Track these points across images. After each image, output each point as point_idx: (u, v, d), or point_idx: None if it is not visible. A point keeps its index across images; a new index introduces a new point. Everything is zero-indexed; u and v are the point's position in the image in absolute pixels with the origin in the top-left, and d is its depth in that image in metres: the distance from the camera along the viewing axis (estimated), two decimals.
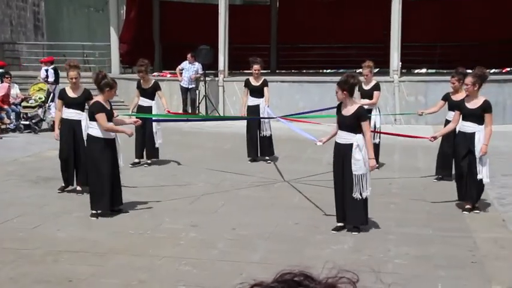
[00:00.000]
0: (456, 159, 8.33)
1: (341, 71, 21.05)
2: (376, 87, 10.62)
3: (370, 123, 8.28)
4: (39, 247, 6.54)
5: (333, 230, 7.17)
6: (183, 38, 22.03)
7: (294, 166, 11.09)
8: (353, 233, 7.06)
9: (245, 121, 11.79)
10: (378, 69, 16.22)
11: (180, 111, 17.19)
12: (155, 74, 19.03)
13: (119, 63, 21.01)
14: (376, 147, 9.86)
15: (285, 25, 23.92)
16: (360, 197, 6.94)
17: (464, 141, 8.01)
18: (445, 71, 19.32)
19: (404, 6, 17.62)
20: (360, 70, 11.19)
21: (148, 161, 11.15)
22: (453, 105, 9.02)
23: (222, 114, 17.57)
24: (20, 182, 9.79)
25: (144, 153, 11.12)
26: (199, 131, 15.61)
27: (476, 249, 6.58)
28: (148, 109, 10.92)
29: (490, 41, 21.55)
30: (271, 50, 24.38)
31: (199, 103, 17.81)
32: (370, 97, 10.50)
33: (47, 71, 17.15)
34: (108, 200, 7.76)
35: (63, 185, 9.10)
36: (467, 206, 8.03)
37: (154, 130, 10.92)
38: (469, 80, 8.06)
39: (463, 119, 8.08)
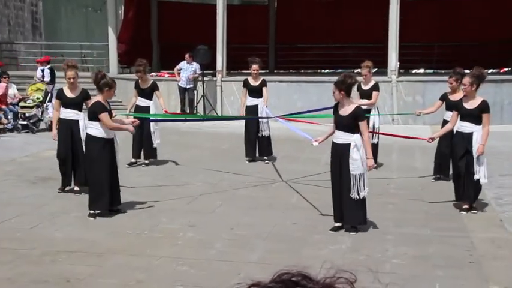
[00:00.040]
0: (454, 159, 8.33)
1: (339, 71, 21.01)
2: (375, 87, 10.61)
3: (368, 123, 8.28)
4: (37, 247, 6.54)
5: (330, 230, 7.17)
6: (181, 38, 22.00)
7: (292, 166, 11.09)
8: (351, 233, 7.06)
9: (243, 121, 11.79)
10: (376, 69, 16.21)
11: (178, 111, 17.17)
12: (153, 74, 19.03)
13: (116, 63, 20.98)
14: (375, 147, 9.85)
15: (283, 25, 23.91)
16: (358, 197, 6.94)
17: (462, 141, 8.01)
18: (443, 71, 19.34)
19: (403, 6, 17.63)
20: (359, 70, 11.19)
21: (146, 161, 11.13)
22: (451, 105, 9.01)
23: (220, 114, 17.56)
24: (17, 182, 9.78)
25: (142, 153, 11.13)
26: (197, 131, 15.60)
27: (473, 249, 6.59)
28: (146, 109, 10.91)
29: (489, 41, 21.54)
30: (270, 50, 24.37)
31: (197, 103, 17.79)
32: (369, 97, 10.48)
33: (43, 71, 17.14)
34: (107, 200, 7.76)
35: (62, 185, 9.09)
36: (465, 206, 8.03)
37: (152, 130, 10.91)
38: (466, 80, 8.05)
39: (461, 119, 8.07)
